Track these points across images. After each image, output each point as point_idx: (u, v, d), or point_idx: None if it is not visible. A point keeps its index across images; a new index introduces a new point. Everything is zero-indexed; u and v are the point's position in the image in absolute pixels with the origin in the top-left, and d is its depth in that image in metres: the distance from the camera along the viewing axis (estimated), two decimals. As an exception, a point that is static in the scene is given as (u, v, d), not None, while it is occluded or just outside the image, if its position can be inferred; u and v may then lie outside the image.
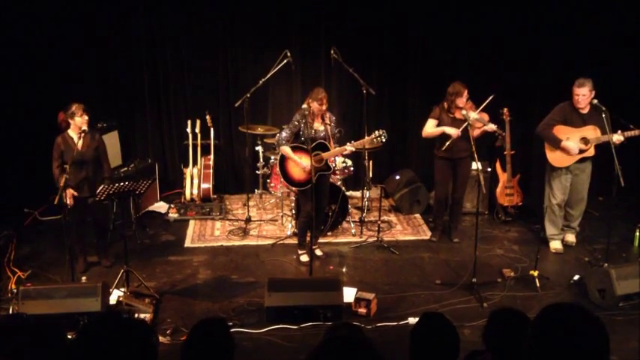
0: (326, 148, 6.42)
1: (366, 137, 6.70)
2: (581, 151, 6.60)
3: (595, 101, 6.46)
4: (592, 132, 6.54)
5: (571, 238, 7.12)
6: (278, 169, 6.64)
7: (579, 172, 6.78)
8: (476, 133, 6.65)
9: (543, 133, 6.75)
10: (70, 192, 6.06)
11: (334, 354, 2.03)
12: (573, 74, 6.73)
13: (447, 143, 6.82)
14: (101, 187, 5.86)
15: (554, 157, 6.74)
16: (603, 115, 6.33)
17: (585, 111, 6.58)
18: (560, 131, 6.65)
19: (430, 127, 6.99)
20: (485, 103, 6.79)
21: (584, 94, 6.46)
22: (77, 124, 6.13)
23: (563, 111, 6.69)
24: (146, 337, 2.23)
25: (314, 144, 6.31)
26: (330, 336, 2.65)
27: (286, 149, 6.45)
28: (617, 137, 6.36)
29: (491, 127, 6.77)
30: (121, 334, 2.15)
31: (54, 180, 6.11)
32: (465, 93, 6.77)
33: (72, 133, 6.17)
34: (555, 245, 7.03)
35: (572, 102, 6.61)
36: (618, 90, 7.84)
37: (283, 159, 6.55)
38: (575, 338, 2.02)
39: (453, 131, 6.78)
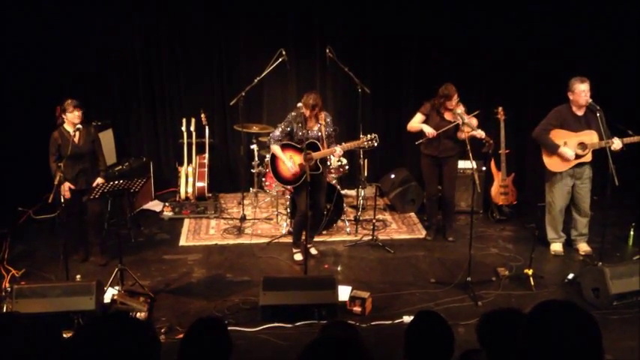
0: (317, 148, 6.42)
1: (357, 140, 6.71)
2: (579, 157, 6.52)
3: (590, 100, 6.42)
4: (590, 137, 6.45)
5: (585, 247, 6.94)
6: (269, 166, 6.65)
7: (581, 177, 6.67)
8: (463, 136, 6.63)
9: (540, 138, 6.65)
10: (66, 185, 6.16)
11: (324, 355, 2.01)
12: (567, 73, 6.72)
13: (421, 140, 6.85)
14: (95, 186, 5.92)
15: (551, 162, 6.67)
16: (598, 115, 6.32)
17: (581, 113, 6.49)
18: (558, 135, 6.56)
19: (414, 122, 7.00)
20: (475, 113, 6.79)
21: (588, 90, 6.35)
22: (69, 119, 6.26)
23: (559, 114, 6.59)
24: (151, 338, 2.20)
25: (305, 143, 6.30)
26: (321, 336, 2.64)
27: (275, 148, 6.46)
28: (617, 144, 6.28)
29: (480, 133, 6.70)
30: (126, 334, 2.13)
31: (51, 175, 6.15)
32: (455, 97, 6.75)
33: (68, 127, 6.30)
34: (555, 248, 6.99)
35: (570, 105, 6.51)
36: (614, 92, 7.84)
37: (274, 156, 6.57)
38: (567, 335, 2.03)
39: (429, 130, 6.80)
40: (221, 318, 5.27)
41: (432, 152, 7.00)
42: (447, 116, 6.82)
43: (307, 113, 6.32)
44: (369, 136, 6.55)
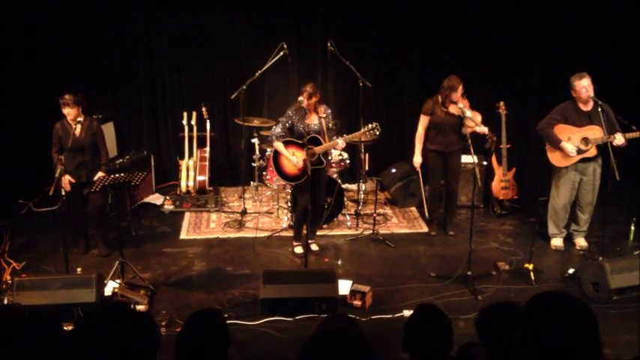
0: (319, 142, 6.40)
1: (359, 131, 6.69)
2: (581, 152, 6.51)
3: (592, 95, 6.37)
4: (593, 132, 6.42)
5: (582, 242, 6.96)
6: (272, 163, 6.63)
7: (586, 173, 6.65)
8: (467, 131, 6.62)
9: (543, 132, 6.63)
10: (66, 178, 6.17)
11: (326, 349, 2.01)
12: (570, 68, 6.71)
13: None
14: (96, 179, 5.93)
15: (554, 157, 6.65)
16: (600, 110, 6.29)
17: (587, 108, 6.47)
18: (562, 130, 6.54)
19: (419, 131, 7.07)
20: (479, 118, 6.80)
21: (589, 85, 6.32)
22: (64, 114, 6.27)
23: (564, 110, 6.56)
24: (150, 329, 2.21)
25: (307, 138, 6.29)
26: (322, 330, 2.63)
27: (278, 145, 6.44)
28: (619, 139, 6.25)
29: (483, 129, 6.70)
30: (125, 326, 2.13)
31: (52, 167, 6.16)
32: (460, 88, 6.74)
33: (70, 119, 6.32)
34: (556, 243, 6.99)
35: (575, 100, 6.48)
36: (616, 87, 7.82)
37: (277, 153, 6.55)
38: (562, 324, 2.02)
39: (416, 162, 7.14)
40: (219, 310, 5.28)
41: (437, 147, 6.98)
42: (452, 110, 6.80)
43: (305, 103, 6.28)
44: (370, 125, 6.52)
